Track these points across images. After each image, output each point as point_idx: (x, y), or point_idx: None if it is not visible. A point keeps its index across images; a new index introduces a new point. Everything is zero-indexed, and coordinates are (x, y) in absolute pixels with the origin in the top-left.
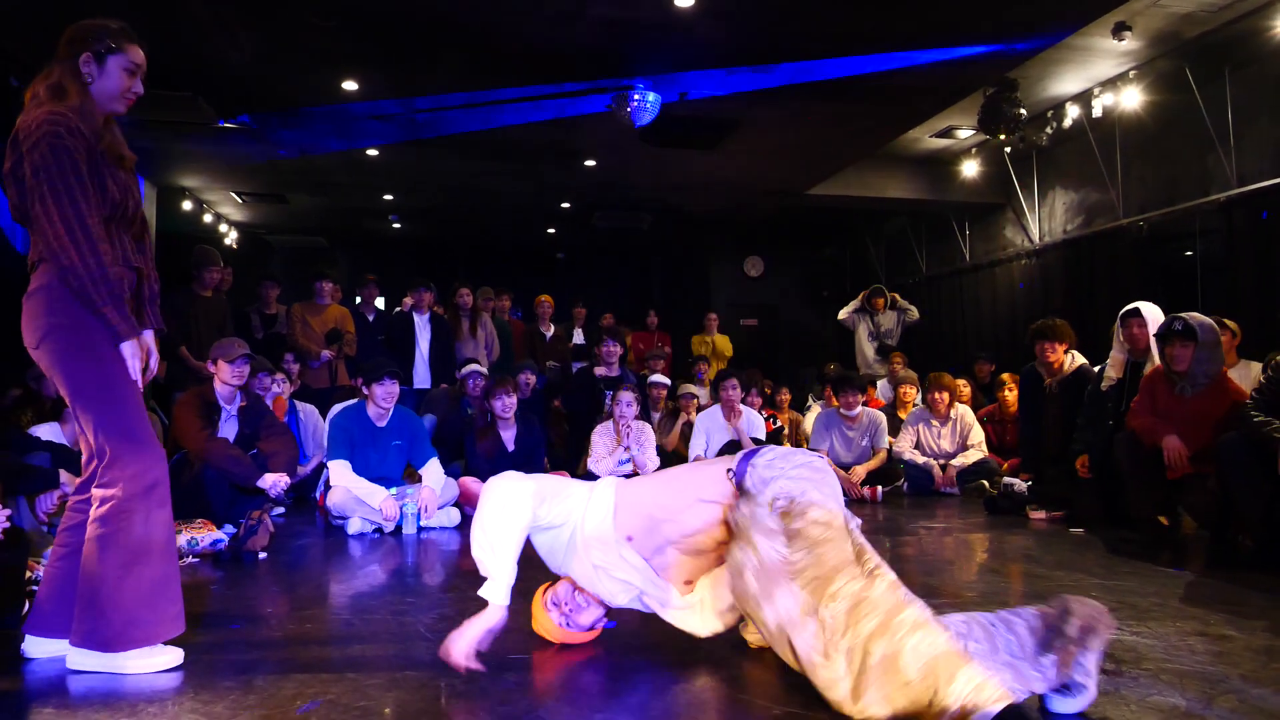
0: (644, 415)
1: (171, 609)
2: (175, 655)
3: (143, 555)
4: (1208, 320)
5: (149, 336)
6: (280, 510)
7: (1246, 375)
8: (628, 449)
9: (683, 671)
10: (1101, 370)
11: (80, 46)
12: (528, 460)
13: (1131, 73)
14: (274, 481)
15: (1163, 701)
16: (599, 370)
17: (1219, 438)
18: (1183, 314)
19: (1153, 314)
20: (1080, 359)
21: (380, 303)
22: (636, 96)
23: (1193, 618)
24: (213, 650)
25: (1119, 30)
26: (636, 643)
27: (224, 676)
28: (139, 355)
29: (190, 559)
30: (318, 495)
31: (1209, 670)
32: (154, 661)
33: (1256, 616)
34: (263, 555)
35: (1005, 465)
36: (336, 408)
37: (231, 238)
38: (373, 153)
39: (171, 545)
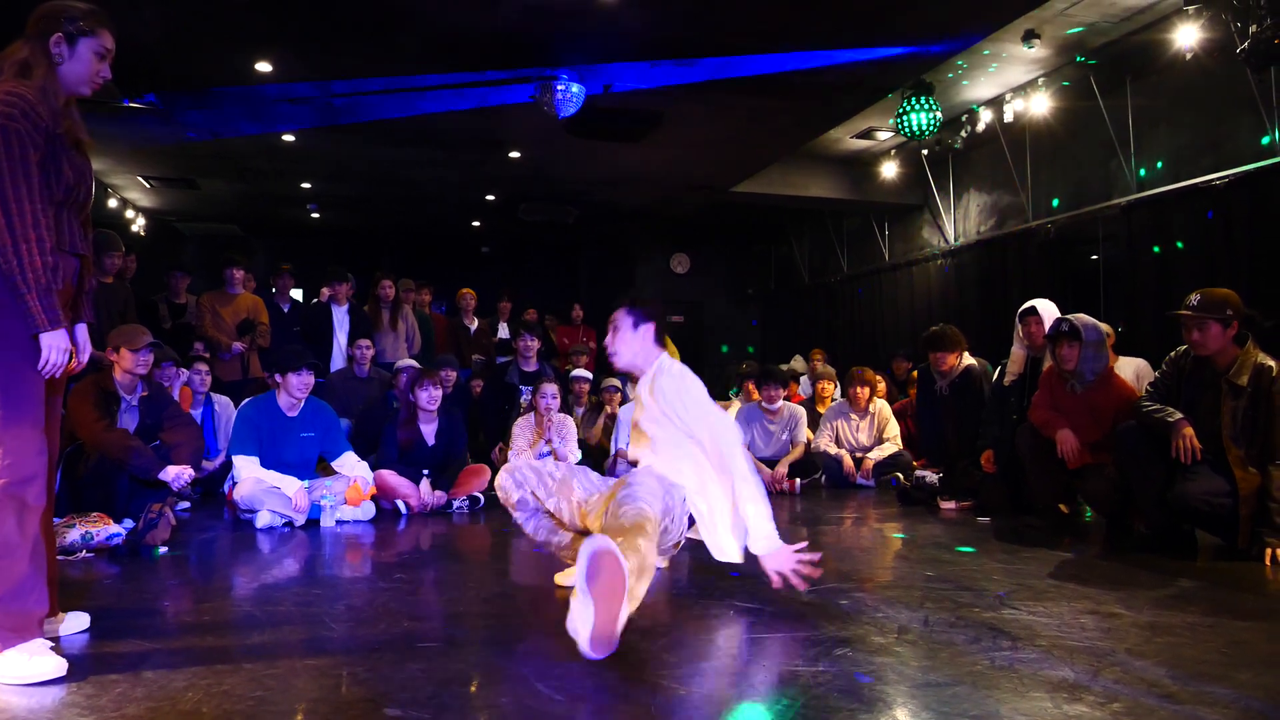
0: (565, 408)
1: (37, 612)
2: (58, 664)
3: (10, 553)
4: (1091, 321)
5: (81, 330)
6: (185, 505)
7: (1122, 371)
8: (549, 441)
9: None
10: (1003, 366)
11: (52, 25)
12: (446, 456)
13: (1040, 79)
14: (177, 474)
15: (1053, 674)
16: (522, 365)
17: (1117, 427)
18: (1069, 316)
19: (1048, 310)
20: (969, 359)
21: (299, 294)
22: (560, 87)
23: (1086, 597)
24: (101, 642)
25: (1029, 38)
26: (535, 627)
27: (111, 669)
28: (58, 347)
29: (84, 554)
30: (226, 490)
31: (1098, 645)
32: (33, 669)
33: (1145, 595)
34: (163, 550)
35: (920, 461)
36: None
37: (139, 224)
38: (289, 138)
39: (40, 546)
